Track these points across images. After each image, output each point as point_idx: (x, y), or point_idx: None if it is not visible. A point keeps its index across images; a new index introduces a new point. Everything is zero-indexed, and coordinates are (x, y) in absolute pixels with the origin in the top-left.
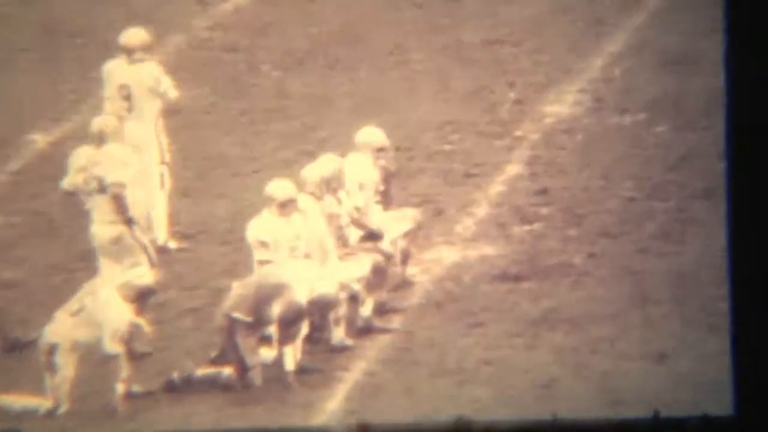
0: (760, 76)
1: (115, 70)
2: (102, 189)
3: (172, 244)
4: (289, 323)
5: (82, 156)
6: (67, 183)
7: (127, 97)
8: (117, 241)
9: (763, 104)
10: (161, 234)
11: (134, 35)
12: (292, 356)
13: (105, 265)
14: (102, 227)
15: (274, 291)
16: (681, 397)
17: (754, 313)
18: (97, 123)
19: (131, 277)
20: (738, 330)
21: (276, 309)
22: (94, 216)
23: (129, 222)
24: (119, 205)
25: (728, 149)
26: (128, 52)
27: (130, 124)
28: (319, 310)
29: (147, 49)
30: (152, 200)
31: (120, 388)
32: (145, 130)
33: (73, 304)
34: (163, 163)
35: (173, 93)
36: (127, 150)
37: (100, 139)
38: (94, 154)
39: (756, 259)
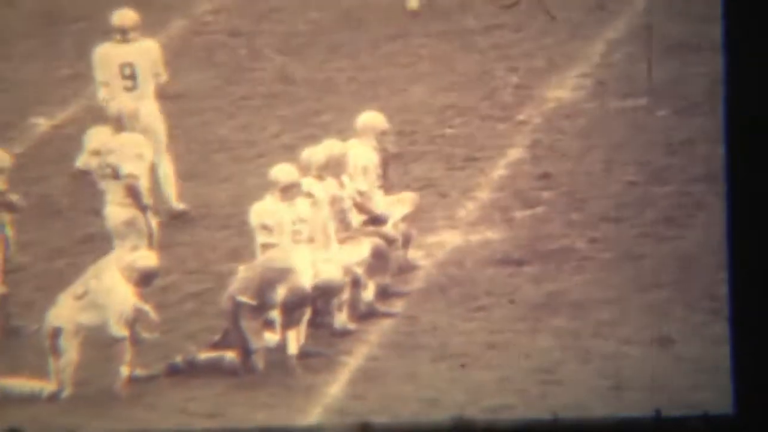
0: (759, 61)
1: (112, 52)
2: (116, 176)
3: (181, 206)
4: (292, 307)
5: (96, 138)
6: (81, 162)
7: (131, 76)
8: (129, 223)
9: (763, 91)
10: (171, 197)
11: (127, 15)
12: (295, 341)
13: (118, 245)
14: (115, 209)
15: (279, 275)
16: (683, 382)
17: (754, 306)
18: (116, 106)
19: (134, 259)
20: (738, 325)
21: (280, 293)
22: (108, 198)
23: (144, 208)
24: (133, 194)
25: (727, 135)
26: (123, 31)
27: (138, 103)
28: (324, 294)
29: (138, 28)
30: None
31: (125, 371)
32: (151, 107)
33: (77, 288)
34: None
35: (165, 76)
36: (142, 139)
37: (117, 122)
38: (110, 140)
39: (756, 246)
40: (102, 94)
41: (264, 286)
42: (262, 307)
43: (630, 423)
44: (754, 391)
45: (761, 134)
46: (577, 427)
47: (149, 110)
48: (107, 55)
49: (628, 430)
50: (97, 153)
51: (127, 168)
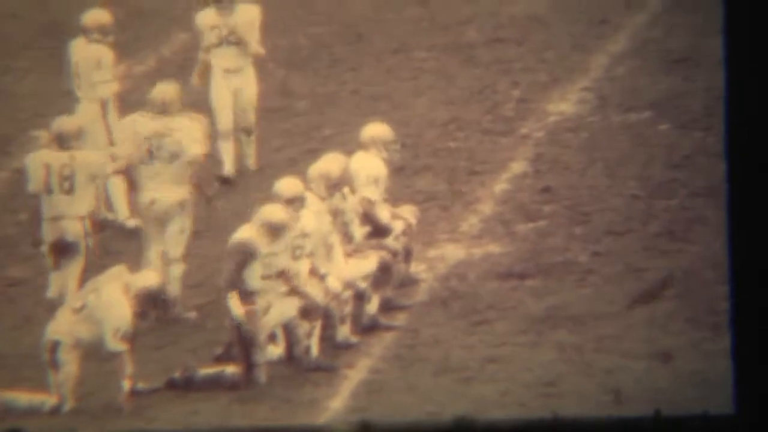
0: (760, 76)
1: (73, 48)
2: (174, 158)
3: (132, 223)
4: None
5: (143, 125)
6: (121, 152)
7: (78, 75)
8: (182, 204)
9: (763, 104)
10: (123, 212)
11: (93, 16)
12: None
13: (154, 233)
14: (167, 192)
15: None
16: (685, 396)
17: (755, 310)
18: (160, 92)
19: (138, 279)
20: (739, 327)
21: None
22: (150, 185)
23: (198, 186)
24: (195, 171)
25: (728, 148)
26: (85, 31)
27: (82, 104)
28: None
29: (104, 31)
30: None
31: (125, 385)
32: (92, 111)
33: (76, 301)
34: (112, 145)
35: (103, 89)
36: (197, 119)
37: (162, 108)
38: (165, 123)
39: (757, 257)
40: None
41: None
42: None
43: (630, 423)
44: (755, 391)
45: (762, 148)
46: (577, 427)
47: (91, 113)
48: (68, 52)
49: (627, 429)
50: (148, 139)
51: (192, 149)
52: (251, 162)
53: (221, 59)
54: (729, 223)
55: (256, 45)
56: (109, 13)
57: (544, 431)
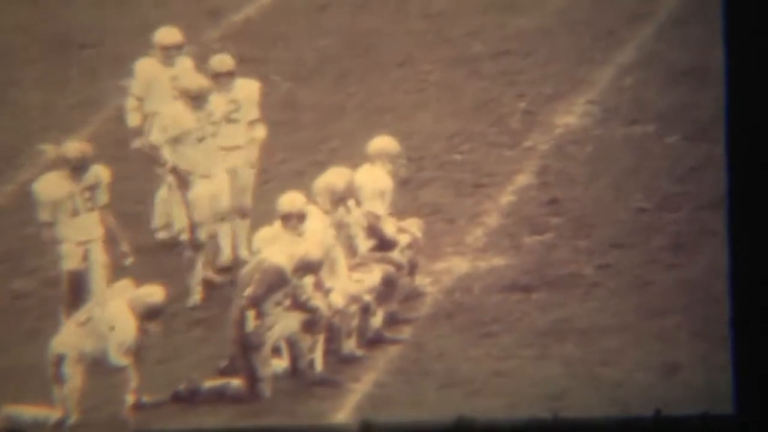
0: (762, 87)
1: (142, 67)
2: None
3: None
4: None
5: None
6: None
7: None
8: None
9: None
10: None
11: (165, 35)
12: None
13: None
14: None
15: None
16: (691, 408)
17: (755, 306)
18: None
19: (142, 294)
20: (739, 326)
21: None
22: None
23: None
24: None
25: (730, 161)
26: (158, 50)
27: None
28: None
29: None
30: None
31: (130, 399)
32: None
33: (81, 315)
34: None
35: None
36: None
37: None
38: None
39: (758, 260)
40: None
41: None
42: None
43: (630, 423)
44: (755, 392)
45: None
46: (577, 426)
47: None
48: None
49: (628, 429)
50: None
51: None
52: (244, 249)
53: (219, 137)
54: (729, 232)
55: (257, 128)
56: (180, 32)
57: (544, 431)
